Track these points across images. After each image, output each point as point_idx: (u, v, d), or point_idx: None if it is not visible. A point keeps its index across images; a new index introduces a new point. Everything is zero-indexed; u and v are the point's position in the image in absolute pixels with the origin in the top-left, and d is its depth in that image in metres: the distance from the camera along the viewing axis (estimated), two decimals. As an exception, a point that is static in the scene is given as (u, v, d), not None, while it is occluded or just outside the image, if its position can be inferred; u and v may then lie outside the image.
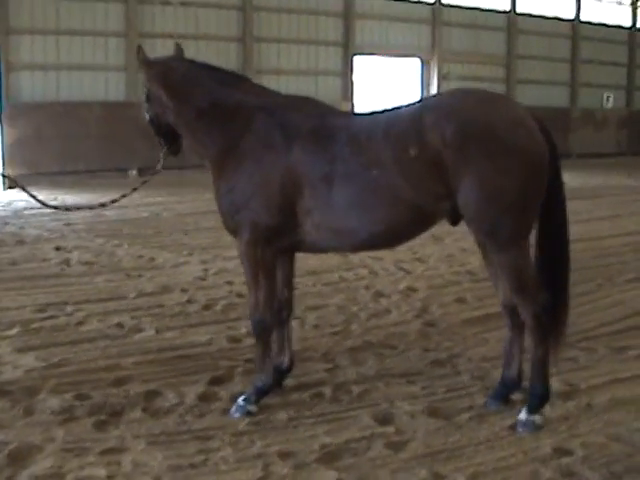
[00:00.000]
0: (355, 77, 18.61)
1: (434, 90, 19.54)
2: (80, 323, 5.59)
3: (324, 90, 18.47)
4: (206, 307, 6.15)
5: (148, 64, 4.16)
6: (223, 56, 17.12)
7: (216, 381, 4.49)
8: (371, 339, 5.36)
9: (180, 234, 9.52)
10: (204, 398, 4.24)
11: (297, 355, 5.01)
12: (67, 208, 4.93)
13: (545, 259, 3.91)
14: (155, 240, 9.11)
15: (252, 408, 4.01)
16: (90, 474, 3.35)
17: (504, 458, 3.52)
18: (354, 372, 4.69)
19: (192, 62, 4.24)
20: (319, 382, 4.50)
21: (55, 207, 4.63)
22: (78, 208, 5.28)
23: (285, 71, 18.06)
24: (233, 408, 4.02)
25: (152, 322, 5.65)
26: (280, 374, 4.35)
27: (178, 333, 5.42)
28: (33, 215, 10.70)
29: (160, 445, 3.64)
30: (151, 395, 4.25)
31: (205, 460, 3.49)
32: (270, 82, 17.97)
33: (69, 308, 5.95)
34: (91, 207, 4.81)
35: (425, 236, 9.07)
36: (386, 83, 19.48)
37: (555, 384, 4.45)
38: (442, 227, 3.82)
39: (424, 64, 19.56)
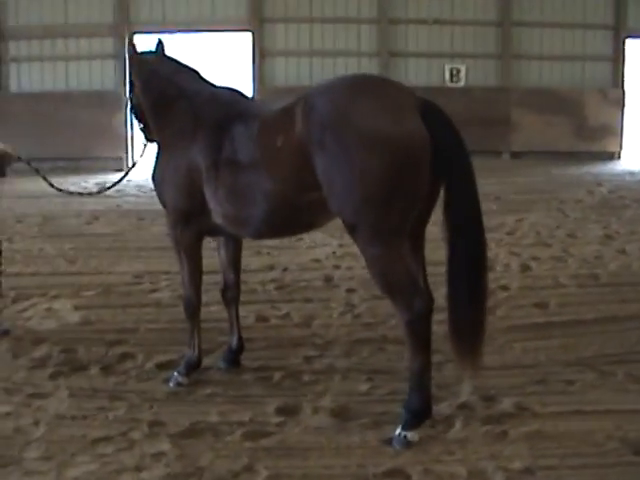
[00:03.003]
0: (627, 62, 17.03)
1: None
2: (153, 291, 6.30)
3: (591, 76, 17.24)
4: (279, 287, 6.48)
5: (131, 58, 4.62)
6: (480, 40, 16.90)
7: (196, 353, 4.85)
8: (389, 334, 5.29)
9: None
10: (164, 366, 4.64)
11: (300, 340, 5.15)
12: (71, 192, 5.51)
13: (455, 265, 3.61)
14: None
15: (182, 380, 4.34)
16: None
17: (329, 467, 3.42)
18: (327, 363, 4.73)
19: (161, 57, 4.60)
20: (282, 367, 4.63)
21: (59, 189, 5.27)
22: (80, 194, 5.83)
23: (548, 57, 17.18)
24: (169, 378, 4.39)
25: (211, 297, 6.13)
26: (232, 354, 4.61)
27: (219, 308, 5.83)
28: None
29: (77, 398, 4.15)
30: (125, 357, 4.77)
31: (90, 416, 3.92)
32: (531, 67, 17.29)
33: (162, 277, 6.70)
34: (90, 194, 5.48)
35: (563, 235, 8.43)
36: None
37: (505, 405, 4.11)
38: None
39: None
